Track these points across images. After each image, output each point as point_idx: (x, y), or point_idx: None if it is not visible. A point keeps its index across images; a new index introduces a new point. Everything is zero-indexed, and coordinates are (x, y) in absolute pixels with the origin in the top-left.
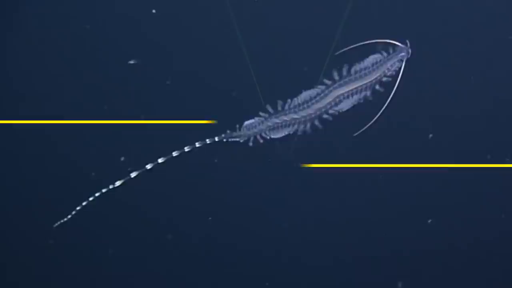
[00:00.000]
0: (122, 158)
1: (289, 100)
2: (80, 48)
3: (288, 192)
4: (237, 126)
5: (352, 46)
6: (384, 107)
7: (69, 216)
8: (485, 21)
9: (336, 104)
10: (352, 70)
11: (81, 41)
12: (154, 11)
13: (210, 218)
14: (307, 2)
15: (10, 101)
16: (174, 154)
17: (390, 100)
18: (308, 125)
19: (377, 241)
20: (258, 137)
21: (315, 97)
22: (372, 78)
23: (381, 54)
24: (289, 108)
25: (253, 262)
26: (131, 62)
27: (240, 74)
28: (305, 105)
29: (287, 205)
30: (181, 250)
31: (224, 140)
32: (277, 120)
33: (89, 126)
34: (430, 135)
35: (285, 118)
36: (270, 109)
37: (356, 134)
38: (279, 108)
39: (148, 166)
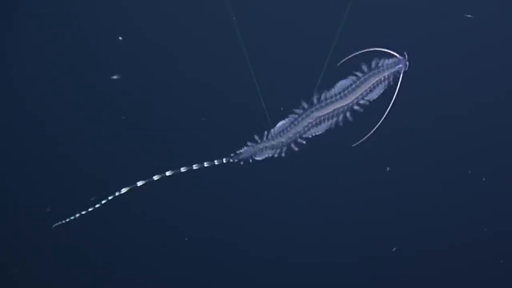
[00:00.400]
0: (48, 209)
1: (325, 91)
2: (80, 48)
3: (291, 192)
4: (265, 132)
5: (351, 56)
6: (383, 117)
7: (72, 218)
8: (486, 31)
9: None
10: (373, 64)
11: (81, 41)
12: (120, 38)
13: (186, 238)
14: (308, 2)
15: (10, 101)
16: (195, 167)
17: (389, 111)
18: (348, 113)
19: (377, 241)
20: (300, 140)
21: (349, 86)
22: (372, 83)
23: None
24: (326, 99)
25: (257, 263)
26: (114, 77)
27: (240, 74)
28: (341, 94)
29: (289, 206)
30: (185, 254)
31: (247, 158)
32: (319, 114)
33: (89, 126)
34: (387, 168)
35: (327, 110)
36: (304, 104)
37: (355, 145)
38: (314, 102)
39: (155, 177)
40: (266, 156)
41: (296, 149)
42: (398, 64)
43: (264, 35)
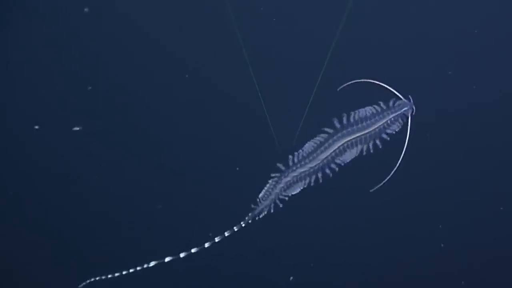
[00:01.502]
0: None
1: (295, 153)
2: (80, 48)
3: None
4: (258, 199)
5: (353, 82)
6: (399, 163)
7: (109, 276)
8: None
9: (341, 153)
10: (351, 119)
11: (81, 40)
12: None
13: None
14: (308, 3)
15: (10, 100)
16: (217, 239)
17: (404, 155)
18: (320, 174)
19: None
20: (278, 200)
21: (320, 146)
22: (372, 129)
23: (378, 106)
24: (298, 161)
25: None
26: (76, 129)
27: (240, 74)
28: (312, 156)
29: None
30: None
31: (250, 222)
32: (288, 178)
33: (90, 127)
34: (291, 278)
35: (300, 170)
36: (281, 167)
37: (373, 190)
38: (290, 164)
39: (182, 255)
40: (300, 188)
41: (281, 205)
42: (404, 107)
43: (264, 34)
